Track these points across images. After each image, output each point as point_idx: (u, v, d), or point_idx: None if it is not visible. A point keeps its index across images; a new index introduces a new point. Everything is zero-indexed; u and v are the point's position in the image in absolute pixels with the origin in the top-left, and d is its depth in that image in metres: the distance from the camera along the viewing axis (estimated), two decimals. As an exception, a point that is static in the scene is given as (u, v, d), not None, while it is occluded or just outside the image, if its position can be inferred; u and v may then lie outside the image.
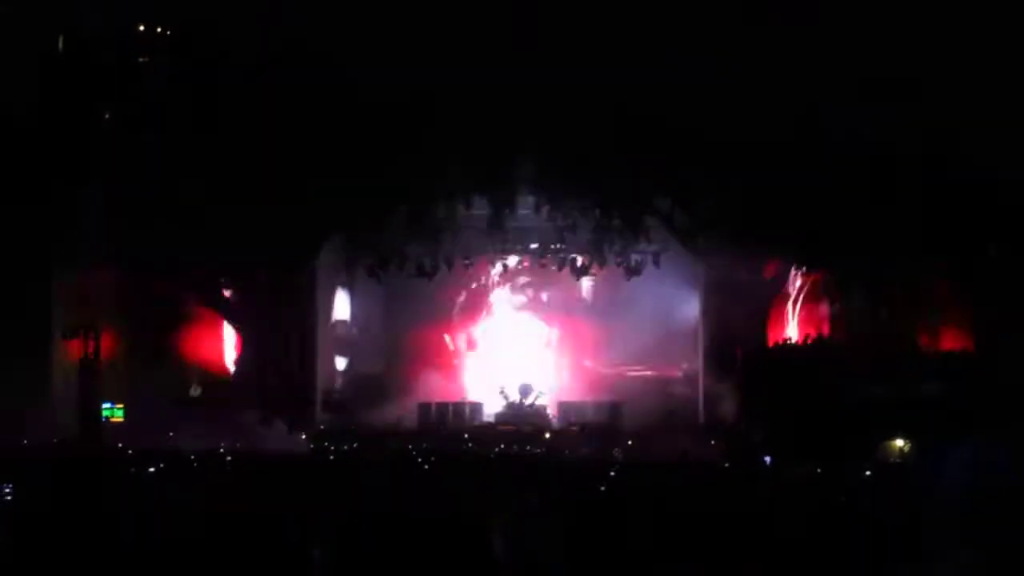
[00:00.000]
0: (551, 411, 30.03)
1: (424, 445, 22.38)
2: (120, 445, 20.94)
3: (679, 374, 29.79)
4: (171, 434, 23.99)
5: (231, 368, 28.73)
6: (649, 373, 29.63)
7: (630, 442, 25.09)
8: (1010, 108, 22.45)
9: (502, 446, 24.51)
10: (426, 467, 16.96)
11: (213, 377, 28.75)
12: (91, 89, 26.26)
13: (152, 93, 26.12)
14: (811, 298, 27.68)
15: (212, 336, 28.99)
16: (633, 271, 29.58)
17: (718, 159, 24.75)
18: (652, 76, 23.80)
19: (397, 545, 8.32)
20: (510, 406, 30.37)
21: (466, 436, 26.57)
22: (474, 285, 31.97)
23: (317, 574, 7.79)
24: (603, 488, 13.05)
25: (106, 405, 25.93)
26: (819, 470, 15.36)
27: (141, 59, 26.55)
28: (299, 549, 8.47)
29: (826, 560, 7.08)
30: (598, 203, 27.70)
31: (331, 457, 20.72)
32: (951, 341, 25.51)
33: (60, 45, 26.38)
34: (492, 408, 30.37)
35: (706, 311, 28.90)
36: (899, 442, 19.05)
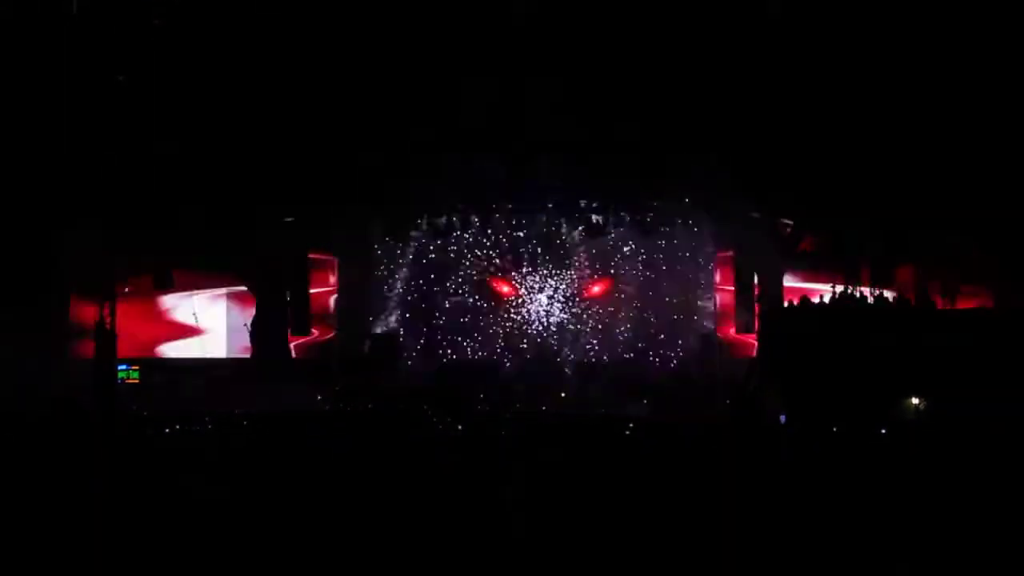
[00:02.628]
0: (568, 370, 30.02)
1: (440, 404, 22.39)
2: (135, 407, 21.03)
3: (696, 332, 29.67)
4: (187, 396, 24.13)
5: (249, 329, 28.77)
6: (666, 331, 29.49)
7: (645, 400, 25.06)
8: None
9: (518, 405, 24.55)
10: (441, 427, 17.01)
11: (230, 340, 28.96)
12: (107, 50, 26.19)
13: (169, 54, 26.04)
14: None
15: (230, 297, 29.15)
16: (647, 228, 29.55)
17: (728, 116, 24.55)
18: (664, 32, 23.59)
19: (416, 505, 8.33)
20: (527, 365, 30.40)
21: (482, 396, 26.58)
22: (488, 243, 31.88)
23: (333, 535, 7.81)
24: (619, 447, 13.08)
25: (121, 367, 26.01)
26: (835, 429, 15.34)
27: (157, 21, 26.43)
28: (313, 507, 8.47)
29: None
30: (612, 161, 27.57)
31: (348, 417, 20.77)
32: (971, 298, 25.35)
33: (75, 7, 26.27)
34: (509, 367, 30.39)
35: (720, 269, 28.90)
36: (915, 400, 18.96)
